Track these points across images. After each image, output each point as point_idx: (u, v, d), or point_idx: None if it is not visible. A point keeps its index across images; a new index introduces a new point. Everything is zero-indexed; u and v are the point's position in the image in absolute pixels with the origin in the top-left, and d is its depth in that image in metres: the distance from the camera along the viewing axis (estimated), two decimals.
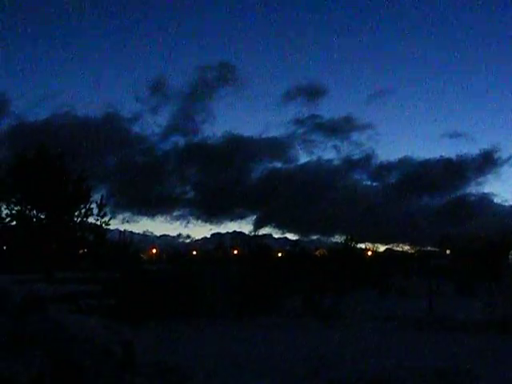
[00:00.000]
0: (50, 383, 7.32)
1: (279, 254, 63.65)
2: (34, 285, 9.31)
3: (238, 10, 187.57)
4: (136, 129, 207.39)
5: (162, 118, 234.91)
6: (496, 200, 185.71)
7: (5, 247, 33.37)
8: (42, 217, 33.66)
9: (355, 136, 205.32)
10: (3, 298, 8.11)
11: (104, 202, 35.49)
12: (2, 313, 7.65)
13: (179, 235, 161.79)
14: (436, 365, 13.05)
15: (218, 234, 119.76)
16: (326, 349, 15.91)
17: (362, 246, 65.73)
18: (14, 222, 33.74)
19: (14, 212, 33.61)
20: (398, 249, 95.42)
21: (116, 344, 8.26)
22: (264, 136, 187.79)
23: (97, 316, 9.34)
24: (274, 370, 12.74)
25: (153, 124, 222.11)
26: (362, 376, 11.96)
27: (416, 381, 11.62)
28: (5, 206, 33.67)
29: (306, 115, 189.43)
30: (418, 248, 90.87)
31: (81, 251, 35.44)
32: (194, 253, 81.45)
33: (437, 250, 79.56)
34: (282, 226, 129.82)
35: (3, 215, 33.84)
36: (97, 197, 35.47)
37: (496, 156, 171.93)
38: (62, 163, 33.95)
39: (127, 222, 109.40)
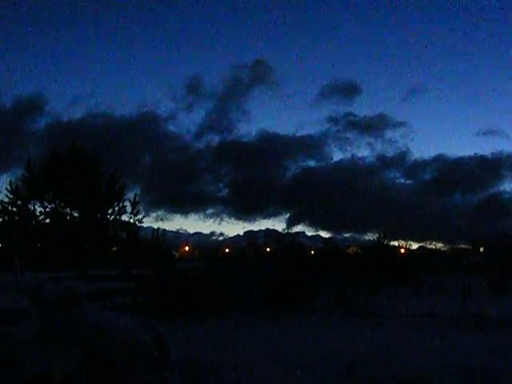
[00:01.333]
0: (85, 380, 7.34)
1: (312, 252, 63.53)
2: (68, 282, 9.35)
3: (273, 8, 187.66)
4: (171, 127, 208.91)
5: (197, 117, 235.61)
6: None
7: (39, 245, 33.57)
8: (76, 215, 33.87)
9: (389, 134, 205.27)
10: (39, 295, 8.14)
11: (137, 199, 35.66)
12: (37, 310, 7.68)
13: (212, 233, 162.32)
14: (472, 363, 12.92)
15: (251, 231, 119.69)
16: (359, 346, 15.83)
17: (395, 243, 65.49)
18: (48, 220, 33.99)
19: (47, 210, 33.85)
20: (431, 246, 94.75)
21: (150, 341, 8.26)
22: (298, 134, 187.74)
23: (131, 313, 9.37)
24: (307, 367, 12.69)
25: (188, 122, 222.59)
26: (397, 374, 11.89)
27: (452, 379, 11.52)
28: (39, 204, 33.93)
29: (340, 113, 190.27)
30: (451, 246, 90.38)
31: (114, 249, 35.61)
32: (227, 250, 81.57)
33: (470, 247, 79.07)
34: (315, 223, 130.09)
35: (37, 213, 34.11)
36: (131, 195, 35.69)
37: None
38: (95, 161, 34.13)
39: (161, 219, 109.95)
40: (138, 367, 7.78)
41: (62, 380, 7.08)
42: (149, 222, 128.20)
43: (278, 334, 18.47)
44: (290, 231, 76.96)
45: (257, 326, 20.42)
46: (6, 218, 33.80)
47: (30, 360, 7.00)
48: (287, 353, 14.64)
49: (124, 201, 34.60)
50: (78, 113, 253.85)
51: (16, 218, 33.71)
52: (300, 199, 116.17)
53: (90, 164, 33.65)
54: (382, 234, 56.97)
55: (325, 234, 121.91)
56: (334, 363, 13.16)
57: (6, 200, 33.52)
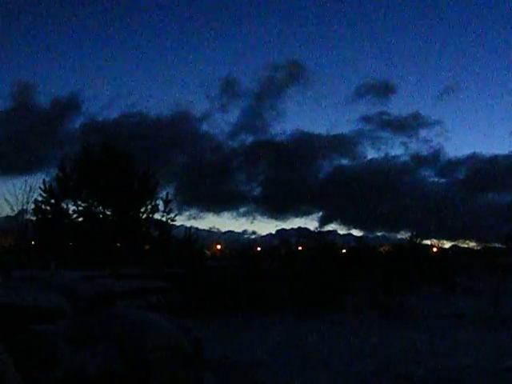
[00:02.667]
0: (120, 378, 7.37)
1: (343, 251, 63.33)
2: (102, 281, 9.41)
3: (307, 8, 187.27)
4: (205, 127, 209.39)
5: (232, 117, 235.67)
6: None
7: (72, 243, 33.84)
8: (108, 213, 34.10)
9: (423, 132, 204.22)
10: (74, 294, 8.21)
11: (170, 198, 35.85)
12: (72, 308, 7.74)
13: (244, 231, 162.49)
14: (506, 364, 12.82)
15: (283, 229, 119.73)
16: (393, 346, 15.75)
17: (428, 242, 65.13)
18: (81, 219, 34.25)
19: (80, 209, 34.12)
20: (463, 245, 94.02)
21: (185, 340, 8.28)
22: (332, 133, 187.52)
23: (165, 312, 9.40)
24: (340, 367, 12.65)
25: (222, 122, 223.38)
26: (432, 374, 11.82)
27: (486, 380, 11.44)
28: (72, 203, 34.20)
29: (374, 112, 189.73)
30: (484, 245, 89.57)
31: (146, 247, 35.79)
32: (259, 249, 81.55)
33: (503, 247, 78.34)
34: (347, 222, 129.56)
35: (70, 212, 34.38)
36: (165, 194, 35.91)
37: None
38: (127, 160, 34.36)
39: (194, 218, 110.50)
40: (172, 366, 7.81)
41: (97, 378, 7.12)
42: (182, 220, 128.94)
43: (310, 333, 18.41)
44: (322, 230, 76.68)
45: (289, 325, 20.36)
46: (40, 216, 34.12)
47: (65, 358, 7.05)
48: (320, 352, 14.59)
49: (157, 199, 34.84)
50: (113, 113, 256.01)
51: (49, 216, 34.01)
52: (333, 198, 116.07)
53: (122, 163, 33.88)
54: (414, 233, 56.74)
55: (357, 233, 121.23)
56: (367, 363, 13.11)
57: (40, 199, 33.86)
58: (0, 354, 6.08)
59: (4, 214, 39.16)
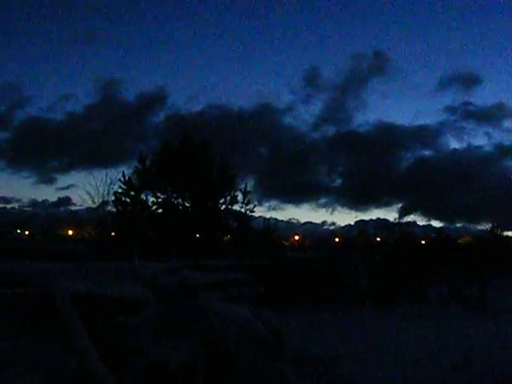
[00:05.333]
0: (202, 370, 7.41)
1: (423, 242, 62.69)
2: (185, 273, 9.46)
3: None
4: (288, 119, 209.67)
5: (314, 108, 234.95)
6: None
7: (151, 235, 34.20)
8: (188, 204, 34.39)
9: (508, 123, 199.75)
10: (156, 285, 8.27)
11: (249, 189, 35.96)
12: (155, 299, 7.80)
13: (324, 222, 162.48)
14: None
15: (362, 220, 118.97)
16: (474, 339, 15.52)
17: (509, 233, 64.07)
18: (160, 210, 34.61)
19: (160, 200, 34.49)
20: None
21: (266, 332, 8.28)
22: (415, 124, 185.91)
23: (246, 303, 9.40)
24: (420, 360, 12.54)
25: (305, 114, 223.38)
26: None
27: None
28: (151, 195, 34.60)
29: (458, 103, 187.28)
30: None
31: (225, 238, 35.99)
32: (337, 240, 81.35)
33: None
34: (427, 213, 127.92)
35: (150, 203, 34.79)
36: (247, 185, 36.05)
37: None
38: (207, 152, 34.58)
39: (273, 209, 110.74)
40: (254, 358, 7.82)
41: (179, 369, 7.17)
42: (262, 211, 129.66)
43: (390, 325, 18.30)
44: (401, 221, 75.95)
45: (369, 317, 20.27)
46: (120, 208, 34.60)
47: (149, 349, 7.12)
48: (400, 344, 14.48)
49: (236, 191, 35.00)
50: (197, 106, 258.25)
51: (129, 208, 34.47)
52: (413, 189, 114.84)
53: (201, 154, 34.12)
54: (495, 224, 55.89)
55: (437, 224, 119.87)
56: (446, 357, 12.95)
57: (120, 191, 34.33)
58: (86, 344, 6.17)
59: (85, 205, 39.73)
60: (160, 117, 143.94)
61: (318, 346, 13.02)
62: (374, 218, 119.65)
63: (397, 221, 68.35)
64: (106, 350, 6.57)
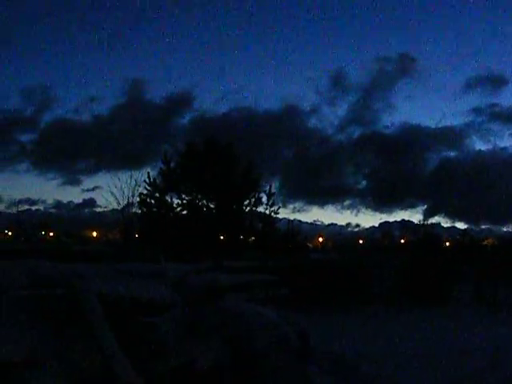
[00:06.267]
0: (228, 371, 7.40)
1: (447, 244, 62.55)
2: (211, 274, 9.46)
3: (414, 0, 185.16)
4: (313, 121, 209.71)
5: (340, 110, 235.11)
6: None
7: (176, 236, 34.29)
8: (212, 206, 34.47)
9: None
10: (183, 287, 8.28)
11: (274, 191, 35.99)
12: (181, 301, 7.81)
13: (348, 224, 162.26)
14: None
15: (387, 222, 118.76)
16: (501, 341, 15.39)
17: None
18: (185, 212, 34.72)
19: (184, 202, 34.60)
20: None
21: (292, 334, 8.27)
22: (441, 126, 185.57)
23: (272, 305, 9.40)
24: (446, 361, 12.44)
25: (330, 116, 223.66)
26: None
27: None
28: (176, 196, 34.72)
29: (484, 104, 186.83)
30: None
31: (249, 240, 36.02)
32: (360, 241, 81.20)
33: None
34: (452, 215, 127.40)
35: (174, 205, 34.91)
36: (268, 187, 36.08)
37: None
38: (231, 154, 34.64)
39: (298, 211, 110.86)
40: (280, 360, 7.80)
41: (206, 370, 7.17)
42: (286, 213, 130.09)
43: (415, 326, 18.22)
44: (425, 222, 75.75)
45: (394, 318, 20.20)
46: (145, 209, 34.75)
47: (174, 350, 7.12)
48: (423, 346, 14.40)
49: (260, 192, 35.04)
50: (223, 108, 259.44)
51: (154, 209, 34.60)
52: (438, 190, 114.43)
53: (225, 157, 34.19)
54: None
55: (461, 226, 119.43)
56: (471, 360, 12.83)
57: (145, 192, 34.49)
58: (112, 345, 6.18)
59: (110, 207, 39.94)
60: (186, 118, 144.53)
61: (343, 347, 12.99)
62: (398, 219, 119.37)
63: (421, 222, 68.22)
64: (133, 351, 6.58)
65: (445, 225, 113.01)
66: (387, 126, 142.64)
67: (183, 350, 7.20)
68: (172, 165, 34.86)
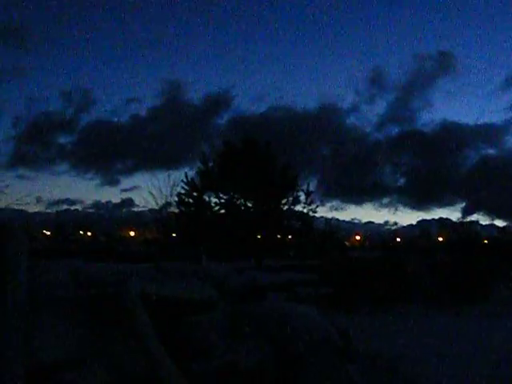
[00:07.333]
0: (271, 371, 7.40)
1: (485, 241, 62.12)
2: (252, 273, 9.48)
3: None
4: (351, 119, 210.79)
5: (379, 108, 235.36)
6: None
7: (214, 235, 34.35)
8: (250, 205, 34.48)
9: None
10: (225, 286, 8.30)
11: (312, 190, 35.91)
12: (224, 300, 7.83)
13: (386, 222, 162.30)
14: None
15: (425, 220, 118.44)
16: None
17: None
18: (223, 211, 34.78)
19: (222, 201, 34.65)
20: None
21: (335, 333, 8.25)
22: (480, 122, 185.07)
23: (313, 304, 9.38)
24: (486, 362, 12.32)
25: (369, 114, 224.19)
26: None
27: None
28: (214, 196, 34.79)
29: None
30: None
31: (287, 238, 35.99)
32: (398, 240, 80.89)
33: None
34: (491, 212, 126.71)
35: (212, 204, 34.99)
36: (306, 185, 36.01)
37: None
38: (269, 153, 34.64)
39: (335, 209, 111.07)
40: (323, 360, 7.79)
41: (250, 371, 7.18)
42: (324, 212, 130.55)
43: (456, 326, 18.07)
44: (464, 220, 75.31)
45: (434, 318, 20.05)
46: (183, 209, 34.86)
47: (218, 350, 7.14)
48: (464, 345, 14.27)
49: (298, 191, 34.99)
50: (262, 107, 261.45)
51: (192, 209, 34.71)
52: (477, 188, 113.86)
53: (263, 155, 34.20)
54: None
55: (500, 223, 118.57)
56: None
57: (183, 192, 34.61)
58: (156, 346, 6.21)
59: (148, 207, 40.14)
60: (224, 118, 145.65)
61: (384, 347, 12.93)
62: (436, 217, 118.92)
63: (460, 220, 67.84)
64: (176, 350, 6.61)
65: (484, 222, 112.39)
66: (426, 124, 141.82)
67: (226, 350, 7.22)
68: (210, 164, 34.95)
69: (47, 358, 5.89)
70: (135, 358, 6.42)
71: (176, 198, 34.87)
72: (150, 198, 35.89)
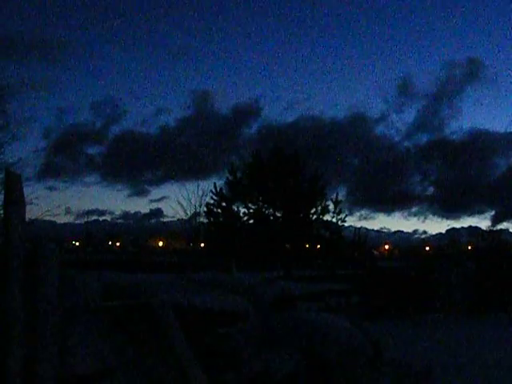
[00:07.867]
0: (303, 381, 7.39)
1: None
2: (283, 283, 9.48)
3: (485, 5, 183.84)
4: (380, 128, 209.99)
5: (408, 117, 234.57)
6: None
7: (243, 245, 34.33)
8: (279, 215, 34.45)
9: None
10: (255, 297, 8.29)
11: (341, 199, 35.82)
12: (254, 311, 7.82)
13: (415, 231, 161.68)
14: None
15: (454, 229, 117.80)
16: None
17: None
18: (252, 221, 34.78)
19: (251, 211, 34.65)
20: None
21: (366, 342, 8.23)
22: (510, 130, 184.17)
23: (344, 314, 9.37)
24: None
25: (398, 123, 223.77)
26: None
27: None
28: (242, 206, 34.80)
29: None
30: None
31: (316, 248, 35.88)
32: (427, 248, 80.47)
33: None
34: None
35: (241, 214, 34.99)
36: (335, 195, 35.93)
37: None
38: (297, 163, 34.62)
39: (364, 218, 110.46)
40: (354, 368, 7.77)
41: (281, 380, 7.17)
42: (353, 221, 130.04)
43: (486, 335, 17.93)
44: (493, 228, 74.72)
45: (464, 326, 19.92)
46: (212, 219, 34.91)
47: (249, 360, 7.13)
48: (494, 356, 14.14)
49: (327, 200, 34.92)
50: (291, 117, 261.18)
51: (221, 219, 34.75)
52: (507, 196, 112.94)
53: (291, 165, 34.19)
54: None
55: None
56: None
57: (212, 202, 34.66)
58: (187, 356, 6.21)
59: (177, 217, 40.25)
60: (253, 128, 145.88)
61: (414, 356, 12.85)
62: (465, 225, 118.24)
63: (489, 228, 67.35)
64: (207, 361, 6.61)
65: None
66: (455, 132, 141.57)
67: (257, 360, 7.21)
68: (239, 174, 34.97)
69: (80, 368, 5.92)
70: (166, 369, 6.43)
71: (205, 208, 34.95)
72: (179, 209, 36.01)
